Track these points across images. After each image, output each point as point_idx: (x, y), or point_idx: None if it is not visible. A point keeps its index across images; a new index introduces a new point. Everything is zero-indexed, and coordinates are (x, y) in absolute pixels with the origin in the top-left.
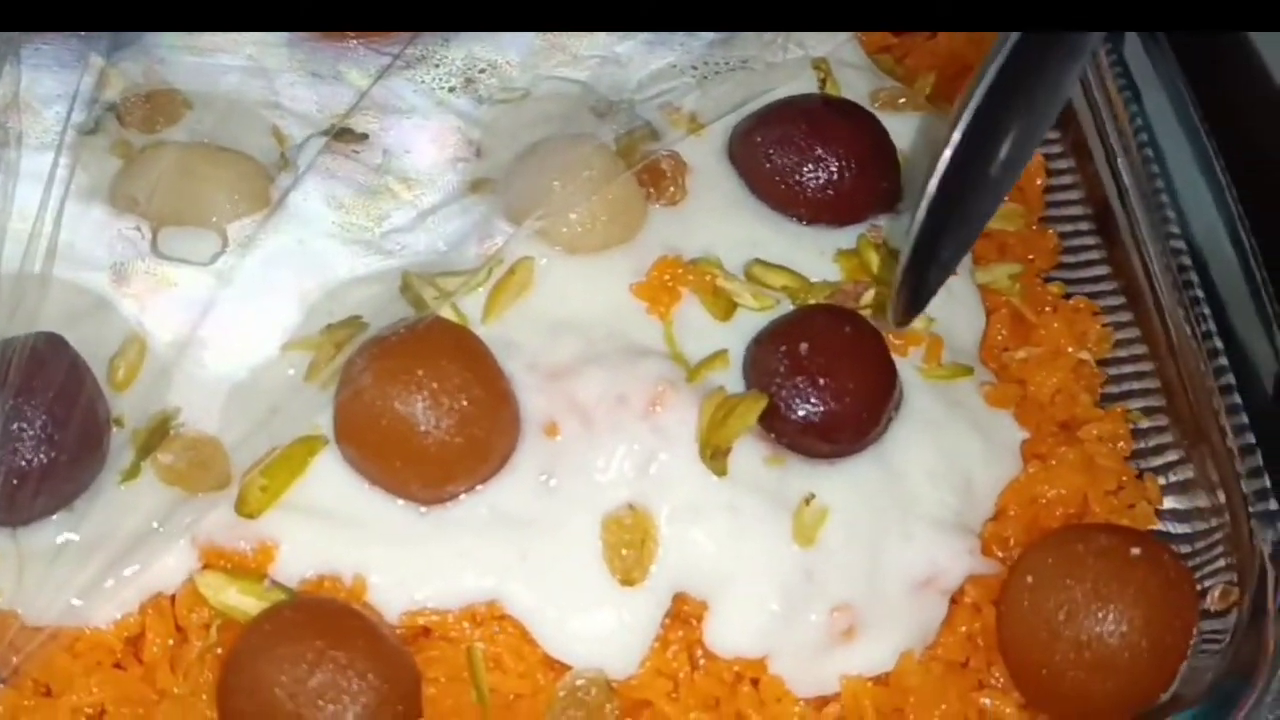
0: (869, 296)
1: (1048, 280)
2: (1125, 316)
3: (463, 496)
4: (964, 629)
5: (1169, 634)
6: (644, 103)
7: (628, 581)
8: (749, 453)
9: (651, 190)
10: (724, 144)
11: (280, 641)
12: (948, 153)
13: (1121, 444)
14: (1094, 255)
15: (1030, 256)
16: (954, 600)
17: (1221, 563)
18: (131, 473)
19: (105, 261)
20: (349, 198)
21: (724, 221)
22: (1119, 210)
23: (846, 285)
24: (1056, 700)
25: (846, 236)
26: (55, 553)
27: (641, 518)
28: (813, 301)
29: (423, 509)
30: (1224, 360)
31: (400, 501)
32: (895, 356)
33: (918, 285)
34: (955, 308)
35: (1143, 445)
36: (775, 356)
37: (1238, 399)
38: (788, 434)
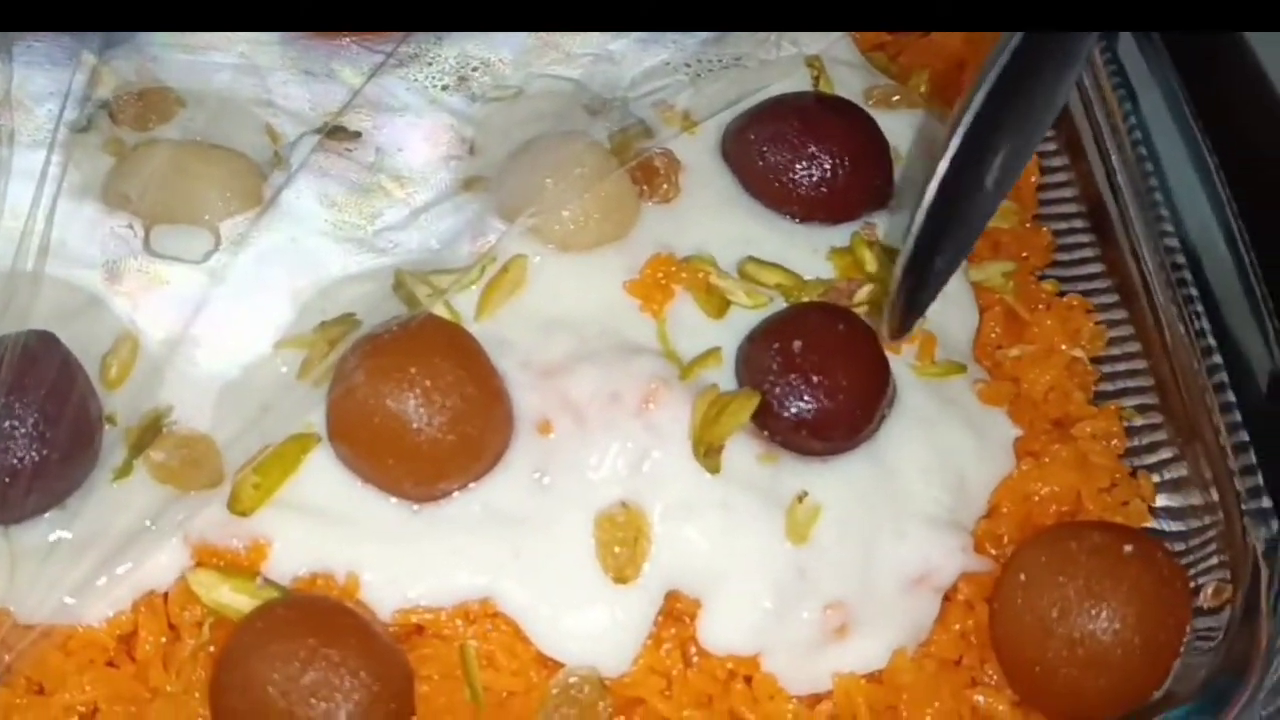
0: (862, 294)
1: (1041, 278)
2: (1119, 314)
3: (456, 494)
4: (957, 626)
5: (1162, 631)
6: (637, 100)
7: (621, 579)
8: (742, 450)
9: (645, 188)
10: (717, 141)
11: (273, 639)
12: (943, 164)
13: (1115, 441)
14: (1088, 253)
15: (1024, 254)
16: (947, 598)
17: (1214, 560)
18: (124, 470)
19: (98, 259)
20: (342, 195)
21: (717, 219)
22: (1113, 208)
23: (840, 283)
24: (1049, 698)
25: (840, 234)
26: (47, 551)
27: (634, 515)
28: (806, 299)
29: (415, 507)
30: (1218, 358)
31: (393, 499)
32: (888, 354)
33: (913, 298)
34: (949, 305)
35: (1136, 443)
36: (768, 354)
37: (1231, 397)
38: (781, 431)
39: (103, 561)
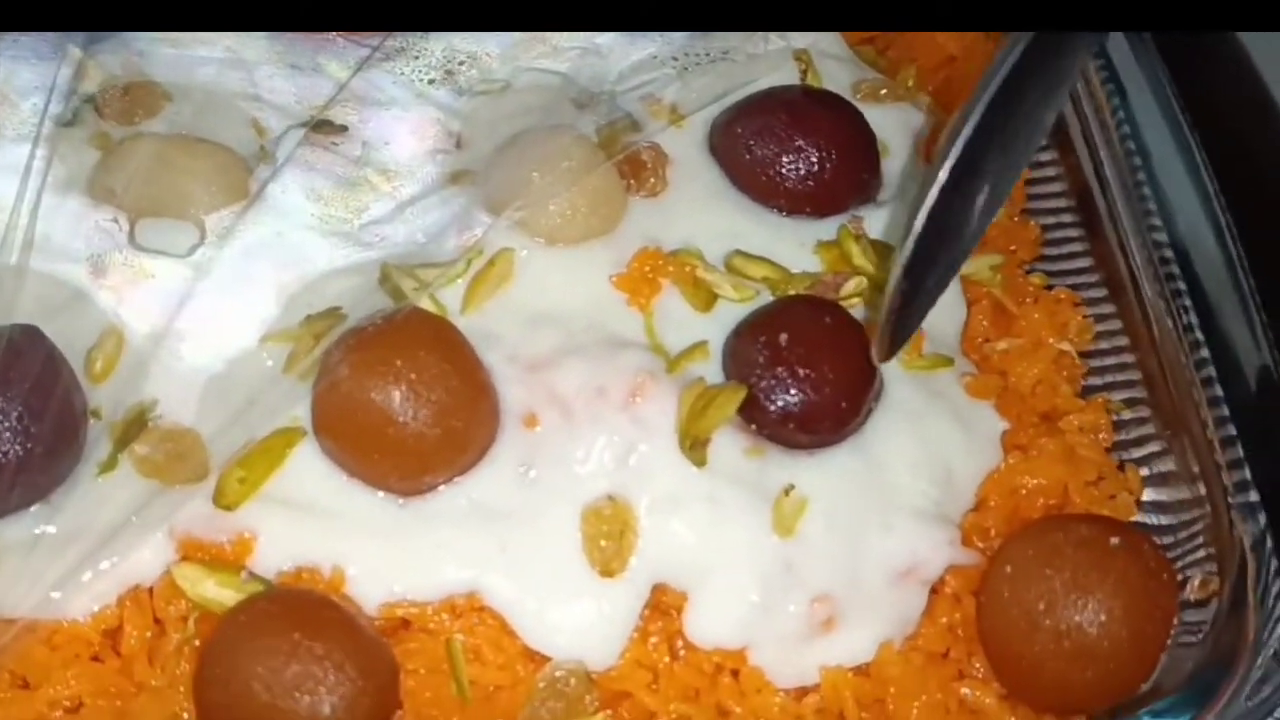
0: (849, 287)
1: (1029, 271)
2: (1107, 308)
3: (442, 488)
4: (944, 619)
5: (1149, 624)
6: (625, 94)
7: (607, 573)
8: (729, 444)
9: (632, 181)
10: (705, 135)
11: (256, 633)
12: (933, 193)
13: (1102, 435)
14: (1076, 247)
15: (1012, 248)
16: (934, 591)
17: (1201, 553)
18: (109, 465)
19: (83, 253)
20: (328, 190)
21: (704, 213)
22: (1101, 202)
23: (827, 276)
24: (1037, 690)
25: (827, 227)
26: (32, 545)
27: (621, 509)
28: (793, 292)
29: (401, 501)
30: (1205, 352)
31: (379, 493)
32: None
33: (902, 322)
34: None
35: (1124, 436)
36: (755, 347)
37: (1219, 390)
38: (767, 425)
39: (87, 556)
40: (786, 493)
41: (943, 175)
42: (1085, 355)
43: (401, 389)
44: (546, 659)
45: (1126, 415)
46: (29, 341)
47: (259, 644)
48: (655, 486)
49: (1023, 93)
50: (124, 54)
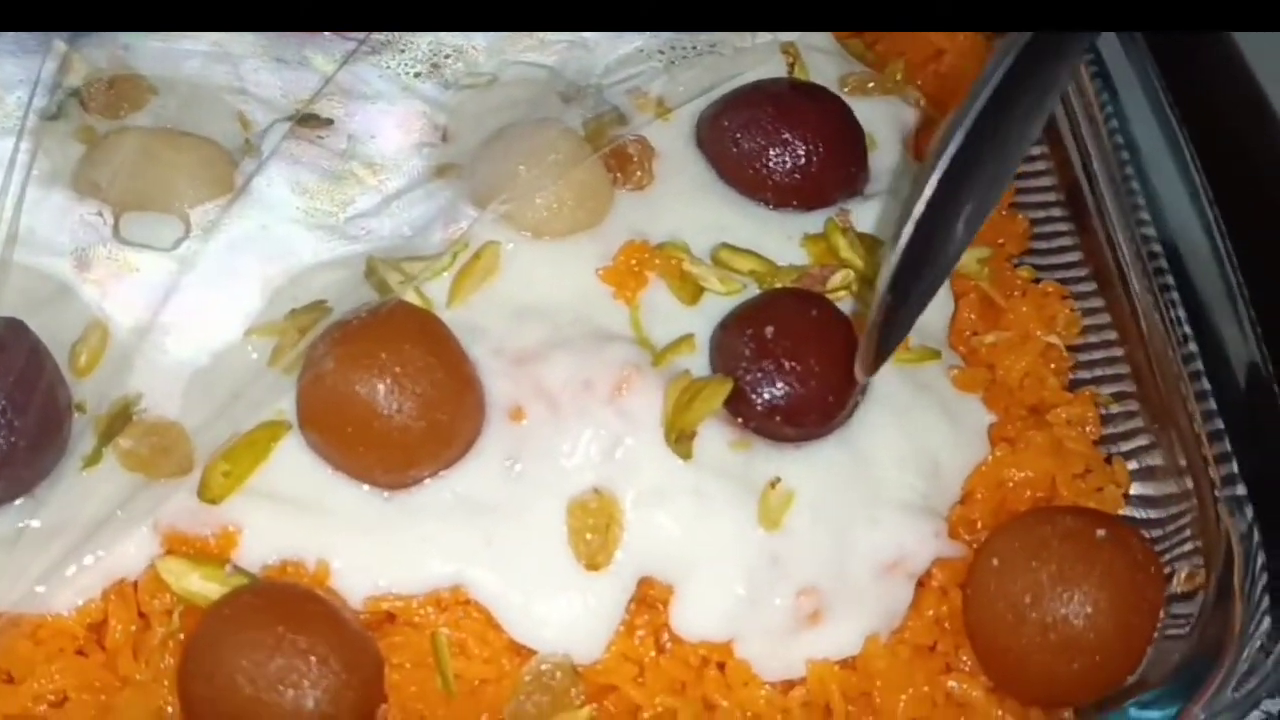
0: (836, 280)
1: (1017, 264)
2: (1095, 302)
3: (427, 481)
4: (931, 612)
5: (1135, 616)
6: (611, 87)
7: (593, 566)
8: (714, 437)
9: (618, 175)
10: (691, 129)
11: (241, 627)
12: (919, 208)
13: (1090, 428)
14: (1064, 240)
15: (1000, 241)
16: (921, 584)
17: (1188, 546)
18: (93, 458)
19: (67, 247)
20: (313, 183)
21: (691, 206)
22: (1089, 196)
23: (813, 269)
24: (1023, 683)
25: (813, 220)
26: (16, 539)
27: (607, 502)
28: (779, 285)
29: (386, 494)
30: (1193, 346)
31: (364, 487)
32: None
33: (887, 337)
34: None
35: (1111, 430)
36: (741, 340)
37: (1206, 384)
38: (753, 418)
39: (71, 550)
40: (773, 486)
41: (929, 190)
42: (1073, 349)
43: (386, 382)
44: (532, 652)
45: (1114, 409)
46: (13, 335)
47: (243, 638)
48: (641, 479)
49: (1013, 103)
50: (109, 47)
